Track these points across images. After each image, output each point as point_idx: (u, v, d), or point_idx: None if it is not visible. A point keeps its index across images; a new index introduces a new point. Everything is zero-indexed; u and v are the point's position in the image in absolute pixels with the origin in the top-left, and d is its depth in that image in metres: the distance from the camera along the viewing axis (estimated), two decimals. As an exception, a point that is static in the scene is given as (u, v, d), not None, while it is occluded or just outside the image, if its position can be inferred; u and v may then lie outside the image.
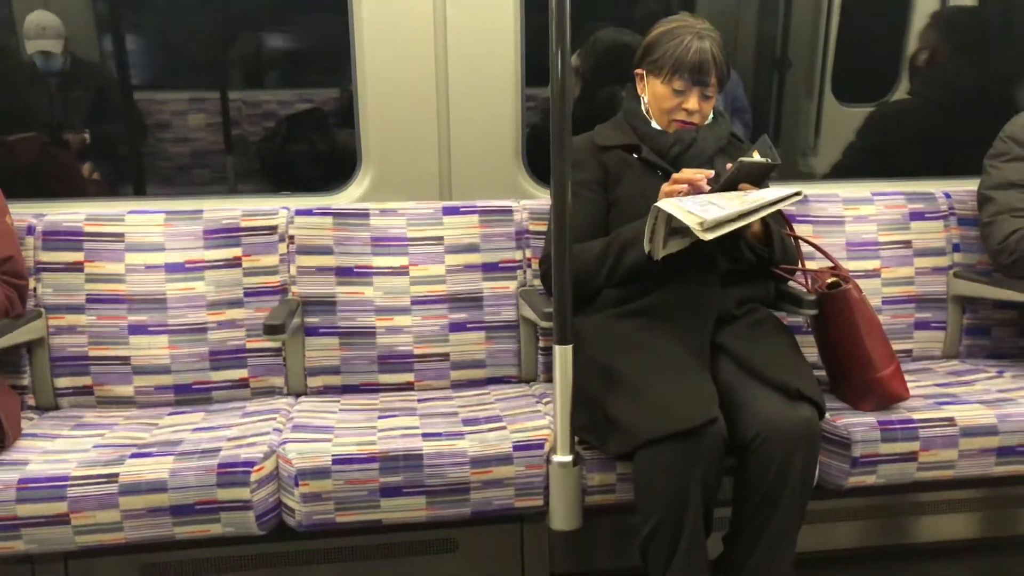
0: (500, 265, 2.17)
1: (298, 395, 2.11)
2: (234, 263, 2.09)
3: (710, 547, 1.72)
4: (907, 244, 2.30)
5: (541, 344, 2.16)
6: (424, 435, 1.79)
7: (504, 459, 1.74)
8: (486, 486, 1.74)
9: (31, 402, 2.04)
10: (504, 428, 1.82)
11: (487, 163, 2.29)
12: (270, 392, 2.11)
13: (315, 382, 2.11)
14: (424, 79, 2.23)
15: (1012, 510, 2.33)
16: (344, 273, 2.12)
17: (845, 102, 3.28)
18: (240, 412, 1.97)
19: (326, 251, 2.11)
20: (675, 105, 1.91)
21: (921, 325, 2.30)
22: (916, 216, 2.32)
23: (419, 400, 2.05)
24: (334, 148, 3.24)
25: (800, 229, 2.15)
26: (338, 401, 2.05)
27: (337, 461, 1.70)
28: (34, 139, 2.84)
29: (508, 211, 2.19)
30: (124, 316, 2.04)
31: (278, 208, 2.14)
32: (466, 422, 1.88)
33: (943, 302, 2.31)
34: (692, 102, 1.90)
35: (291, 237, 2.11)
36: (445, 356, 2.14)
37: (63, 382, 2.04)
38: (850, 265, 2.21)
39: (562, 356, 1.65)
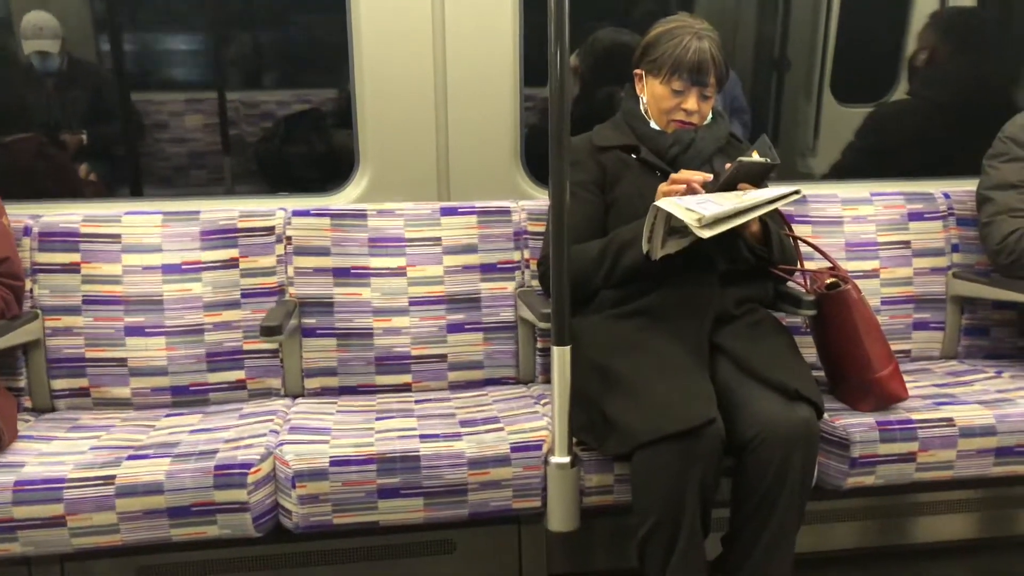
0: (498, 266, 2.16)
1: (295, 397, 2.11)
2: (231, 264, 2.09)
3: (708, 548, 1.72)
4: (906, 244, 2.30)
5: (539, 345, 2.15)
6: (422, 436, 1.79)
7: (502, 460, 1.74)
8: (484, 487, 1.74)
9: (27, 404, 2.04)
10: (502, 429, 1.82)
11: (485, 163, 2.29)
12: (267, 394, 2.11)
13: (312, 383, 2.11)
14: (422, 79, 2.22)
15: (1010, 510, 2.33)
16: (341, 274, 2.11)
17: (844, 102, 3.28)
18: (237, 414, 1.97)
19: (323, 252, 2.11)
20: (674, 105, 1.90)
21: (920, 325, 2.30)
22: (915, 216, 2.32)
23: (417, 401, 2.05)
24: (332, 149, 3.24)
25: (799, 229, 2.15)
26: (335, 402, 2.05)
27: (334, 463, 1.69)
28: (31, 140, 2.84)
29: (506, 212, 2.18)
30: (121, 317, 2.04)
31: (275, 209, 2.13)
32: (464, 423, 1.87)
33: (942, 302, 2.30)
34: (691, 102, 1.89)
35: (288, 238, 2.10)
36: (443, 357, 2.13)
37: (59, 384, 2.04)
38: (849, 265, 2.21)
39: (560, 357, 1.65)
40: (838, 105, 3.27)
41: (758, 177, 1.78)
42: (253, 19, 3.48)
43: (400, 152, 2.26)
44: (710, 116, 1.96)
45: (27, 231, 2.05)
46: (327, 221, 2.12)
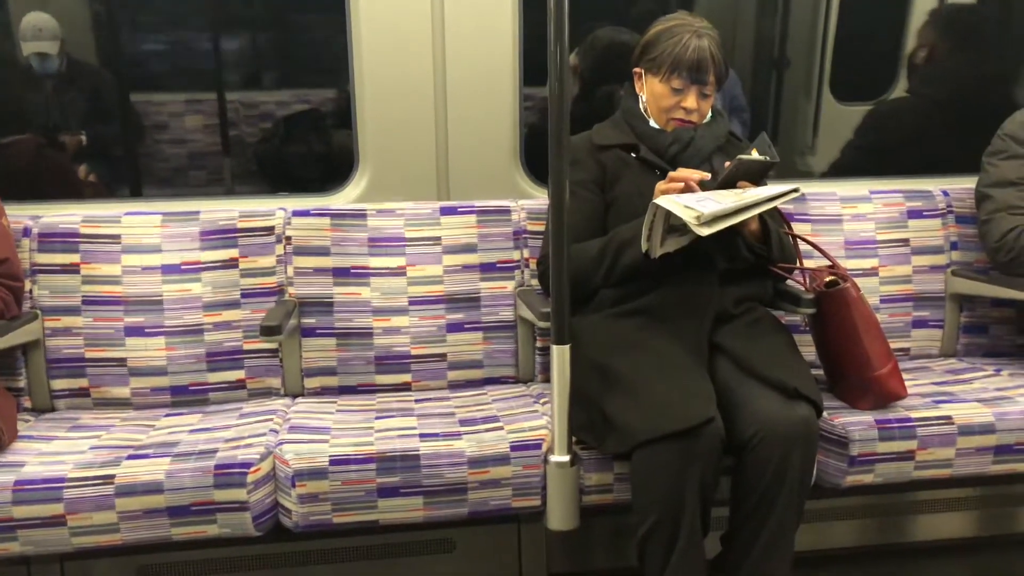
0: (498, 265, 2.16)
1: (295, 396, 2.11)
2: (231, 264, 2.09)
3: (708, 547, 1.72)
4: (905, 242, 2.30)
5: (539, 344, 2.15)
6: (421, 435, 1.79)
7: (501, 459, 1.74)
8: (483, 486, 1.74)
9: (27, 404, 2.04)
10: (501, 428, 1.82)
11: (485, 163, 2.29)
12: (267, 393, 2.11)
13: (312, 383, 2.11)
14: (422, 79, 2.22)
15: (1009, 508, 2.33)
16: (341, 274, 2.11)
17: (843, 101, 3.28)
18: (237, 413, 1.97)
19: (323, 252, 2.11)
20: (673, 104, 1.91)
21: (919, 323, 2.30)
22: (914, 214, 2.32)
23: (416, 401, 2.05)
24: (331, 149, 3.24)
25: (798, 228, 2.15)
26: (335, 402, 2.05)
27: (334, 462, 1.70)
28: (30, 141, 2.84)
29: (506, 211, 2.18)
30: (120, 318, 2.04)
31: (275, 209, 2.13)
32: (463, 422, 1.87)
33: (941, 300, 2.30)
34: (690, 101, 1.89)
35: (288, 238, 2.11)
36: (442, 356, 2.13)
37: (59, 384, 2.04)
38: (848, 264, 2.21)
39: (560, 356, 1.65)
40: (837, 103, 3.27)
41: (757, 175, 1.78)
42: (252, 19, 3.48)
43: (400, 152, 2.26)
44: (709, 114, 1.96)
45: (27, 232, 2.05)
46: (327, 221, 2.12)
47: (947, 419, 1.85)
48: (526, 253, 2.17)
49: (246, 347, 2.08)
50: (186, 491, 1.64)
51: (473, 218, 2.17)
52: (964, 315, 2.31)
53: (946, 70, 2.96)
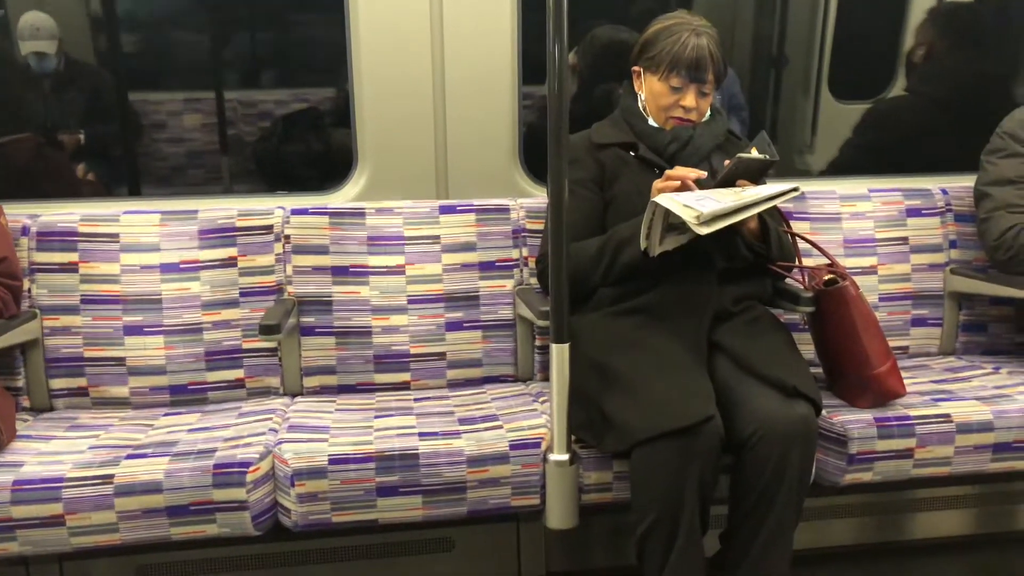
0: (497, 264, 2.16)
1: (294, 395, 2.11)
2: (230, 263, 2.09)
3: (706, 545, 1.72)
4: (904, 241, 2.30)
5: (538, 343, 2.15)
6: (420, 434, 1.79)
7: (500, 458, 1.74)
8: (482, 485, 1.74)
9: (26, 403, 2.03)
10: (500, 427, 1.82)
11: (484, 161, 2.29)
12: (266, 392, 2.11)
13: (311, 382, 2.11)
14: (421, 77, 2.22)
15: (1008, 506, 2.33)
16: (340, 272, 2.11)
17: (842, 99, 3.28)
18: (236, 412, 1.97)
19: (322, 251, 2.11)
20: (672, 102, 1.91)
21: (918, 322, 2.30)
22: (913, 212, 2.32)
23: (415, 399, 2.05)
24: (330, 147, 3.23)
25: (797, 226, 2.15)
26: (334, 401, 2.05)
27: (333, 461, 1.70)
28: (28, 140, 2.83)
29: (505, 209, 2.18)
30: (119, 317, 2.04)
31: (274, 208, 2.13)
32: (462, 421, 1.87)
33: (940, 298, 2.31)
34: (689, 99, 1.89)
35: (287, 237, 2.10)
36: (441, 355, 2.13)
37: (58, 383, 2.04)
38: (847, 262, 2.21)
39: (559, 355, 1.65)
40: (836, 102, 3.27)
41: (757, 174, 1.78)
42: (251, 18, 3.47)
43: (399, 150, 2.26)
44: (708, 113, 1.96)
45: (25, 231, 2.04)
46: (325, 220, 2.12)
47: (946, 417, 1.85)
48: (525, 252, 2.17)
49: (245, 346, 2.08)
50: (185, 491, 1.64)
51: (472, 217, 2.17)
52: (963, 313, 2.32)
53: (945, 68, 2.96)
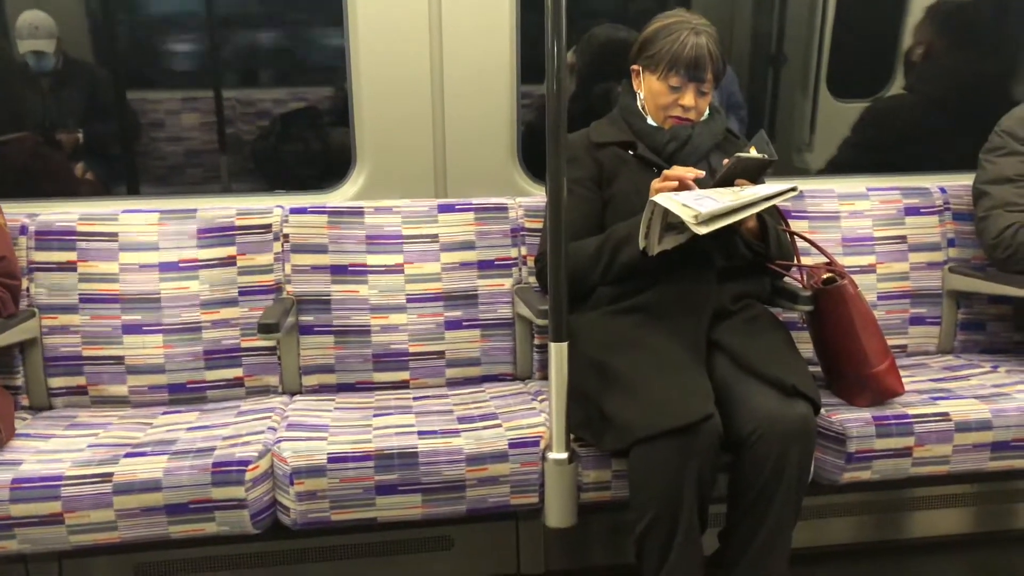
0: (495, 262, 2.16)
1: (293, 394, 2.11)
2: (228, 262, 2.09)
3: (705, 543, 1.72)
4: (902, 239, 2.30)
5: (536, 341, 2.15)
6: (419, 433, 1.79)
7: (499, 456, 1.74)
8: (481, 483, 1.74)
9: (25, 402, 2.03)
10: (499, 426, 1.82)
11: (482, 160, 2.29)
12: (265, 391, 2.11)
13: (310, 381, 2.11)
14: (419, 76, 2.22)
15: (1007, 505, 2.34)
16: (339, 271, 2.11)
17: (840, 98, 3.28)
18: (235, 411, 1.97)
19: (321, 249, 2.11)
20: (671, 101, 1.91)
21: (916, 320, 2.30)
22: (911, 211, 2.32)
23: (414, 398, 2.05)
24: (328, 146, 3.23)
25: (795, 225, 2.15)
26: (333, 399, 2.05)
27: (332, 459, 1.70)
28: (27, 139, 2.83)
29: (504, 208, 2.18)
30: (118, 316, 2.04)
31: (272, 207, 2.13)
32: (461, 420, 1.87)
33: (938, 297, 2.31)
34: (688, 98, 1.89)
35: (286, 236, 2.10)
36: (440, 354, 2.13)
37: (57, 382, 2.04)
38: (845, 260, 2.21)
39: (558, 353, 1.65)
40: (834, 100, 3.27)
41: (756, 173, 1.78)
42: (249, 17, 3.47)
43: (397, 149, 2.25)
44: (707, 112, 1.96)
45: (23, 230, 2.04)
46: (324, 219, 2.12)
47: (944, 416, 1.86)
48: (524, 250, 2.17)
49: (244, 345, 2.08)
50: (184, 489, 1.64)
51: (471, 215, 2.17)
52: (961, 312, 2.32)
53: (943, 67, 2.96)
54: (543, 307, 1.79)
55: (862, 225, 2.30)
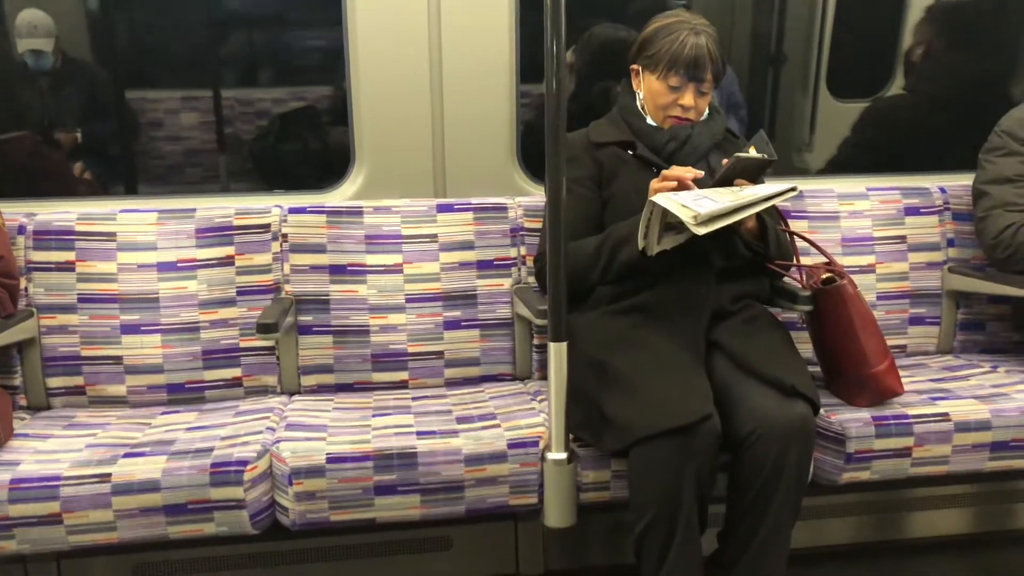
0: (495, 262, 2.16)
1: (291, 394, 2.11)
2: (227, 262, 2.08)
3: (704, 544, 1.72)
4: (902, 239, 2.30)
5: (536, 341, 2.15)
6: (418, 433, 1.79)
7: (499, 457, 1.74)
8: (480, 484, 1.74)
9: (23, 402, 2.03)
10: (498, 426, 1.82)
11: (482, 160, 2.29)
12: (263, 391, 2.11)
13: (308, 381, 2.11)
14: (418, 76, 2.22)
15: (1006, 505, 2.33)
16: (338, 271, 2.11)
17: (840, 98, 3.28)
18: (233, 411, 1.96)
19: (319, 249, 2.11)
20: (671, 101, 1.90)
21: (915, 320, 2.30)
22: (911, 211, 2.32)
23: (413, 398, 2.05)
24: (327, 146, 3.23)
25: (795, 225, 2.15)
26: (332, 400, 2.05)
27: (331, 460, 1.69)
28: (25, 138, 2.83)
29: (503, 208, 2.18)
30: (116, 315, 2.04)
31: (271, 206, 2.13)
32: (460, 420, 1.87)
33: (937, 297, 2.31)
34: (688, 98, 1.89)
35: (284, 235, 2.10)
36: (439, 354, 2.13)
37: (55, 382, 2.03)
38: (845, 260, 2.21)
39: (557, 353, 1.65)
40: (834, 100, 3.27)
41: (755, 173, 1.78)
42: (248, 16, 3.47)
43: (396, 149, 2.25)
44: (707, 112, 1.96)
45: (22, 229, 2.04)
46: (323, 218, 2.11)
47: (944, 416, 1.85)
48: (523, 250, 2.17)
49: (242, 345, 2.08)
50: (182, 489, 1.64)
51: (470, 215, 2.17)
52: (961, 312, 2.32)
53: (943, 67, 2.96)
54: (542, 307, 1.78)
55: (862, 225, 2.29)
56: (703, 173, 1.76)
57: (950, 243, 2.32)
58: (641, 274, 1.84)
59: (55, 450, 1.76)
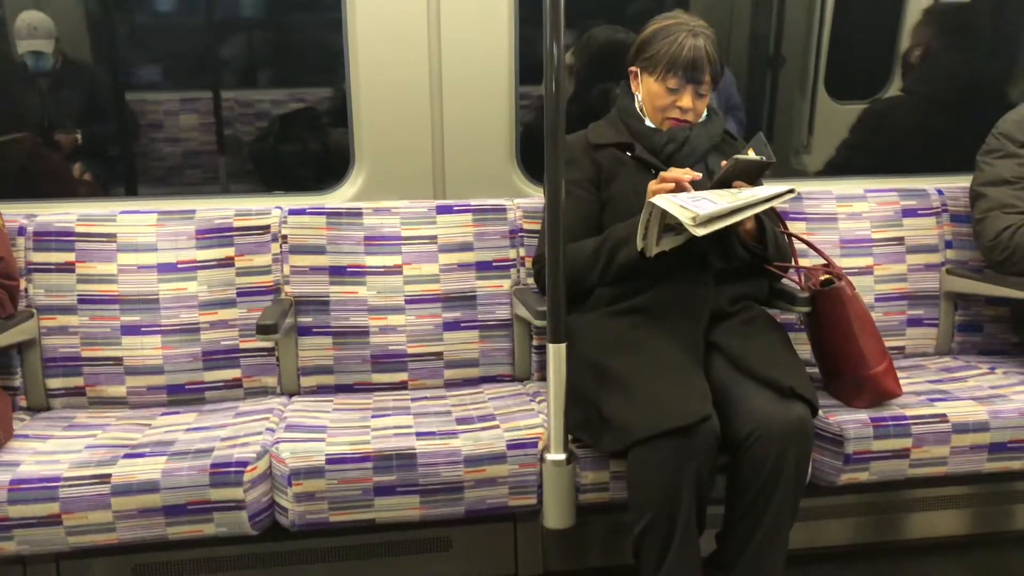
0: (494, 264, 2.16)
1: (291, 395, 2.11)
2: (227, 263, 2.09)
3: (703, 545, 1.72)
4: (900, 241, 2.31)
5: (535, 343, 2.15)
6: (418, 434, 1.79)
7: (498, 458, 1.74)
8: (480, 485, 1.74)
9: (23, 403, 2.03)
10: (498, 427, 1.82)
11: (481, 161, 2.29)
12: (263, 392, 2.11)
13: (308, 382, 2.11)
14: (418, 77, 2.22)
15: (1004, 506, 2.34)
16: (337, 272, 2.11)
17: (838, 99, 3.28)
18: (233, 412, 1.97)
19: (319, 250, 2.11)
20: (669, 103, 1.91)
21: (914, 322, 2.30)
22: (909, 213, 2.32)
23: (413, 399, 2.05)
24: (327, 147, 3.23)
25: (793, 226, 2.15)
26: (331, 401, 2.05)
27: (331, 460, 1.70)
28: (25, 140, 2.83)
29: (502, 209, 2.18)
30: (116, 316, 2.04)
31: (271, 208, 2.13)
32: (460, 421, 1.88)
33: (935, 299, 2.31)
34: (686, 100, 1.90)
35: (284, 237, 2.10)
36: (439, 355, 2.13)
37: (55, 383, 2.03)
38: (843, 262, 2.21)
39: (556, 354, 1.65)
40: (832, 102, 3.27)
41: (754, 175, 1.78)
42: (248, 17, 3.48)
43: (396, 150, 2.26)
44: (705, 114, 1.97)
45: (22, 231, 2.04)
46: (323, 220, 2.12)
47: (942, 417, 1.86)
48: (522, 252, 2.17)
49: (242, 346, 2.08)
50: (182, 490, 1.64)
51: (469, 217, 2.17)
52: (959, 313, 2.32)
53: (941, 69, 2.97)
54: (541, 308, 1.79)
55: (860, 227, 2.30)
56: (701, 175, 1.77)
57: (948, 245, 2.33)
58: (640, 275, 1.84)
59: (55, 451, 1.76)
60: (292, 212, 2.12)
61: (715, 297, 1.86)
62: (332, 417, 1.92)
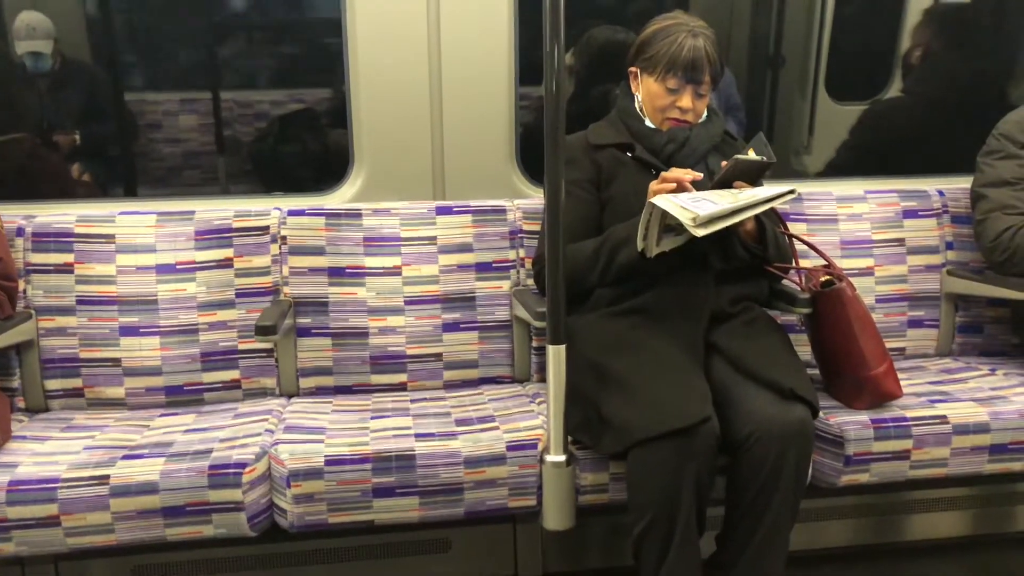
0: (493, 265, 2.16)
1: (290, 396, 2.11)
2: (226, 264, 2.08)
3: (703, 546, 1.72)
4: (900, 242, 2.30)
5: (534, 344, 2.15)
6: (417, 435, 1.79)
7: (497, 459, 1.74)
8: (479, 486, 1.74)
9: (21, 404, 2.03)
10: (497, 428, 1.82)
11: (480, 162, 2.29)
12: (262, 393, 2.11)
13: (307, 383, 2.11)
14: (417, 78, 2.22)
15: (1004, 507, 2.33)
16: (336, 273, 2.11)
17: (839, 100, 3.28)
18: (232, 413, 1.96)
19: (318, 252, 2.11)
20: (669, 103, 1.91)
21: (914, 323, 2.30)
22: (909, 214, 2.32)
23: (412, 400, 2.05)
24: (326, 148, 3.23)
25: (794, 227, 2.15)
26: (330, 402, 2.05)
27: (329, 462, 1.69)
28: (24, 140, 2.83)
29: (502, 210, 2.18)
30: (115, 318, 2.03)
31: (270, 209, 2.13)
32: (459, 422, 1.87)
33: (936, 300, 2.31)
34: (686, 100, 1.89)
35: (283, 238, 2.10)
36: (438, 356, 2.13)
37: (53, 384, 2.03)
38: (844, 263, 2.21)
39: (556, 356, 1.65)
40: (833, 103, 3.27)
41: (754, 175, 1.78)
42: (247, 18, 3.47)
43: (395, 151, 2.25)
44: (705, 114, 1.96)
45: (20, 232, 2.04)
46: (322, 221, 2.11)
47: (942, 418, 1.86)
48: (522, 253, 2.17)
49: (241, 347, 2.08)
50: (181, 491, 1.64)
51: (469, 218, 2.17)
52: (959, 315, 2.32)
53: (941, 70, 2.97)
54: (541, 309, 1.78)
55: (860, 228, 2.29)
56: (702, 175, 1.77)
57: (949, 246, 2.32)
58: (640, 276, 1.84)
59: (53, 452, 1.76)
60: (291, 213, 2.11)
61: (715, 298, 1.86)
62: (331, 418, 1.92)
